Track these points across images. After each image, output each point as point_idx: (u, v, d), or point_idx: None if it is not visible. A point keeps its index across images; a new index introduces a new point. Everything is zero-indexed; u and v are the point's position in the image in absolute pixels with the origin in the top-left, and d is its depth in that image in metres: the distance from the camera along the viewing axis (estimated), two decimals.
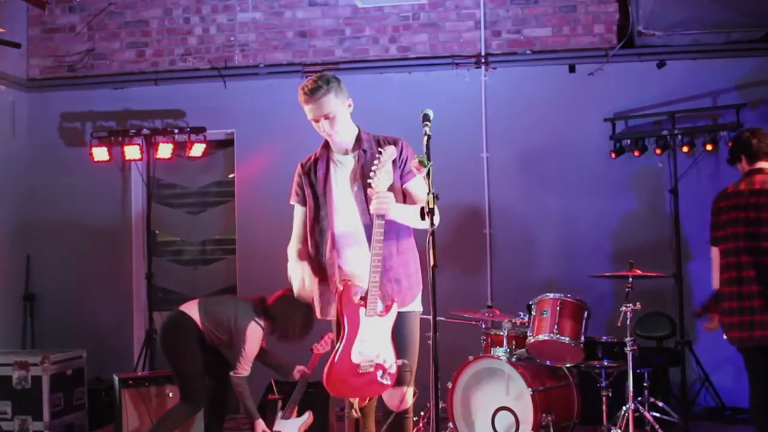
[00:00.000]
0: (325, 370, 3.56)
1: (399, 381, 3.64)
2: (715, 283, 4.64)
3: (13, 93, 7.35)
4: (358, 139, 3.76)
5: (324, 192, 3.74)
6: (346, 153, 3.76)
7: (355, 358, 3.55)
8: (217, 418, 5.22)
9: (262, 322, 4.96)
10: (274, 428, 5.09)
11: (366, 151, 3.72)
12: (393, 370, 3.59)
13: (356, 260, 3.67)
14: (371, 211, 3.50)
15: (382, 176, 3.46)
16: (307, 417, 5.17)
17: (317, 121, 3.67)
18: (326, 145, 3.81)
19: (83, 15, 7.46)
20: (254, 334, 4.91)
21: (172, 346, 5.00)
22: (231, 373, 4.91)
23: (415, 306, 3.77)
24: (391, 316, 3.62)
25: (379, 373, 3.57)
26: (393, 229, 3.62)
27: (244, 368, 4.89)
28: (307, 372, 5.16)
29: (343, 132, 3.70)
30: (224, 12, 7.28)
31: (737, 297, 4.44)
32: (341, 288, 3.60)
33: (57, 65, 7.52)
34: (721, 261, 4.58)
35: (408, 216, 3.57)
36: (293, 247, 3.86)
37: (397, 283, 3.68)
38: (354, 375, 3.55)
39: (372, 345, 3.57)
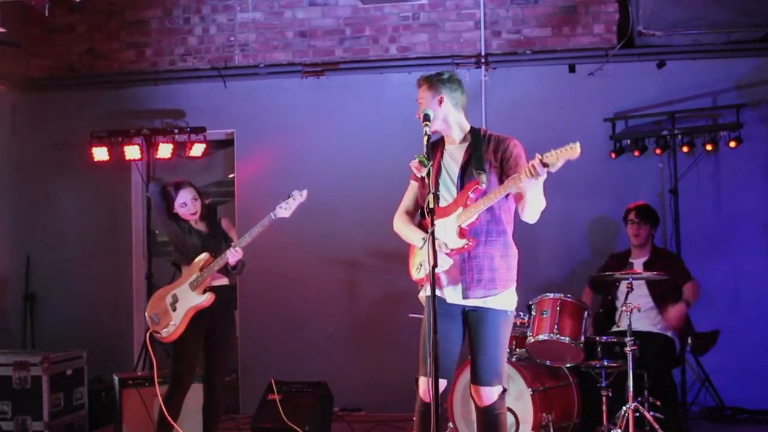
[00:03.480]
0: None
1: (476, 380, 3.79)
2: None
3: (13, 93, 7.35)
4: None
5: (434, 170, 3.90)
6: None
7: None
8: (210, 423, 5.16)
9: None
10: (174, 291, 4.94)
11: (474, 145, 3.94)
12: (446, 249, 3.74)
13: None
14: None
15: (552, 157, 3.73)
16: (207, 297, 4.91)
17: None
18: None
19: (83, 15, 7.46)
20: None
21: None
22: None
23: (496, 303, 3.83)
24: (465, 215, 3.74)
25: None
26: (485, 221, 3.80)
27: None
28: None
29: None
30: (224, 12, 7.28)
31: None
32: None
33: (57, 65, 7.52)
34: None
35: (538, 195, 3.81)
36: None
37: (479, 272, 3.79)
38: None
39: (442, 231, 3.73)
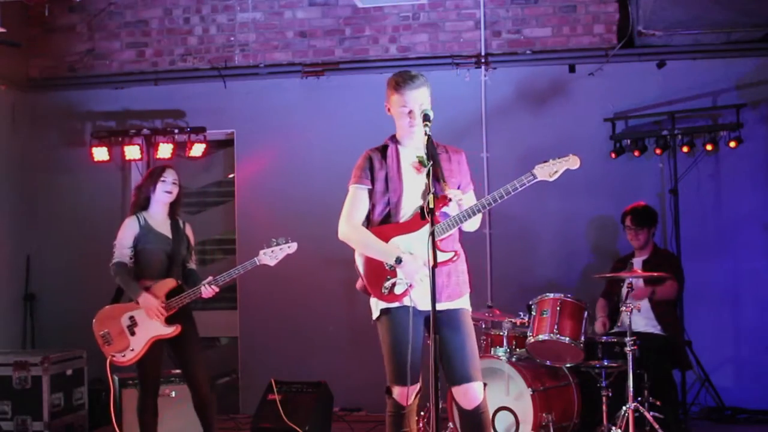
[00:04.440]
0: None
1: (463, 379, 3.73)
2: None
3: (13, 93, 7.35)
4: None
5: (397, 176, 3.85)
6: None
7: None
8: (206, 421, 5.14)
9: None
10: (132, 312, 4.83)
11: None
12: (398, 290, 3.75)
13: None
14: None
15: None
16: (173, 330, 4.81)
17: (411, 111, 3.81)
18: (393, 139, 3.97)
19: (83, 15, 7.46)
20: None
21: None
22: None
23: (464, 304, 3.86)
24: (439, 229, 3.67)
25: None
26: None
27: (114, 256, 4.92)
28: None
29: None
30: (224, 12, 7.28)
31: None
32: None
33: (57, 65, 7.52)
34: None
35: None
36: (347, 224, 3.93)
37: (447, 277, 3.79)
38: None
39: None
